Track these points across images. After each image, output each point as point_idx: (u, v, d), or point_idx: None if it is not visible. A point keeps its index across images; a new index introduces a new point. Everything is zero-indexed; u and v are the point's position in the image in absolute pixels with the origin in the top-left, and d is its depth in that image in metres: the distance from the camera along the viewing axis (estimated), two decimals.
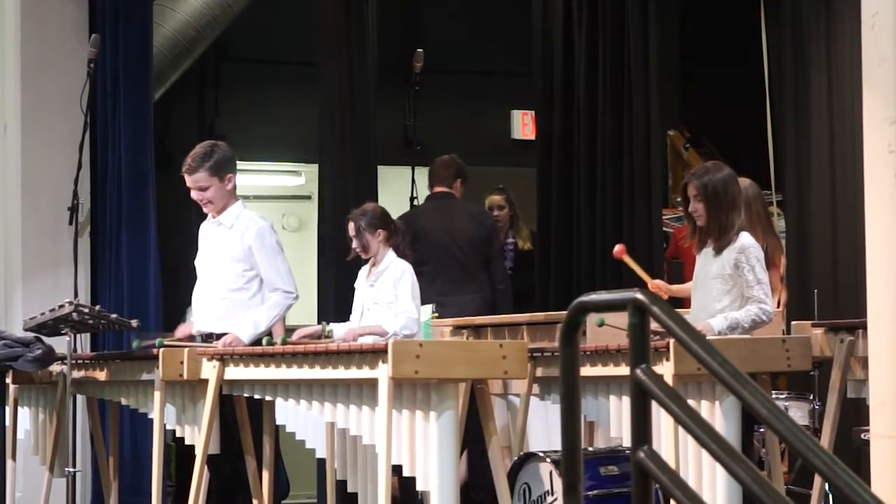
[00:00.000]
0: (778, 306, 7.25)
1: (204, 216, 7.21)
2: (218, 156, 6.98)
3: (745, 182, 7.38)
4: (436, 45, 10.30)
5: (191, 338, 6.91)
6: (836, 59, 8.87)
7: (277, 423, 6.45)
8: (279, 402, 6.15)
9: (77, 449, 7.23)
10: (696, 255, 6.33)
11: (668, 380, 5.45)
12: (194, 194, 7.01)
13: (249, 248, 6.93)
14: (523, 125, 11.78)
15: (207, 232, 7.14)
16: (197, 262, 7.19)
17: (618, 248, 6.54)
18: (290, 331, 7.08)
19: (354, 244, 7.20)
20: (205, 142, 7.24)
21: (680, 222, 10.32)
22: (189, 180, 6.97)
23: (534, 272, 9.67)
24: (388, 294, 7.06)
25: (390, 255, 7.16)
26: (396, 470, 5.51)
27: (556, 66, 10.20)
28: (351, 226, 7.22)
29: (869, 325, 4.87)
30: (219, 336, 6.86)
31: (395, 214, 7.44)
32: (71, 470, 6.90)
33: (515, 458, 6.46)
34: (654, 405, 3.30)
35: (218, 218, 7.04)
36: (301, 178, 11.97)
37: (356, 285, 7.31)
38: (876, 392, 4.78)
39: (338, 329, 7.10)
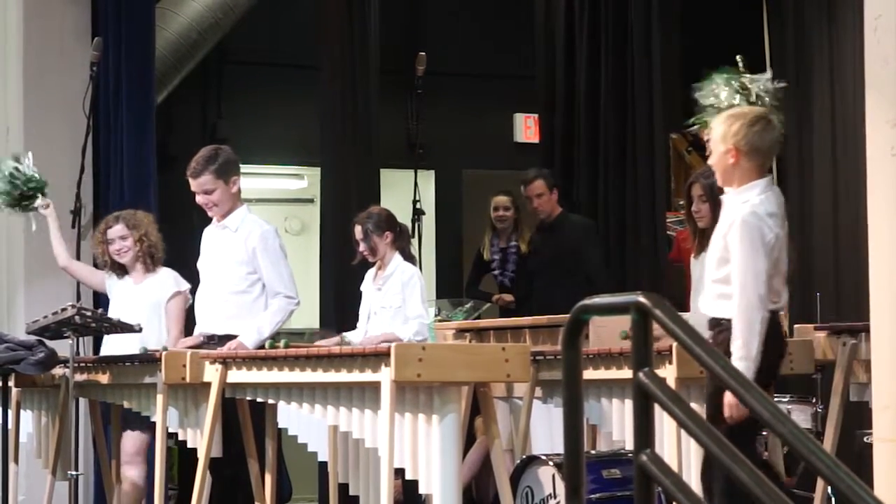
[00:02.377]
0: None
1: (206, 220, 7.22)
2: (223, 159, 7.00)
3: None
4: (438, 48, 10.30)
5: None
6: (838, 62, 8.88)
7: (280, 426, 6.44)
8: (281, 405, 6.14)
9: (79, 452, 7.23)
10: (693, 259, 6.32)
11: (671, 383, 5.46)
12: (199, 198, 7.01)
13: (254, 250, 6.94)
14: (526, 128, 11.78)
15: (211, 236, 7.15)
16: (200, 265, 7.20)
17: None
18: (291, 334, 7.07)
19: (362, 247, 7.21)
20: (209, 146, 7.26)
21: (682, 225, 10.31)
22: (194, 184, 6.98)
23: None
24: (396, 298, 7.07)
25: (397, 258, 7.18)
26: (399, 473, 5.51)
27: (559, 69, 10.21)
28: (358, 229, 7.23)
29: (871, 328, 4.87)
30: (222, 338, 6.87)
31: (397, 218, 7.45)
32: (73, 473, 6.90)
33: (518, 461, 6.45)
34: (657, 408, 3.30)
35: (223, 222, 7.05)
36: (303, 181, 11.98)
37: (363, 289, 7.32)
38: (878, 395, 4.78)
39: (353, 337, 7.11)
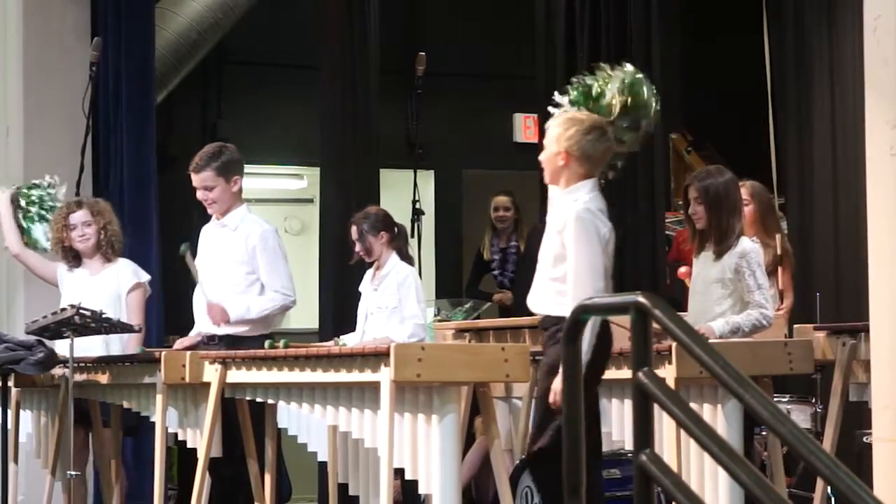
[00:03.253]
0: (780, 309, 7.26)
1: (207, 220, 7.21)
2: (226, 157, 7.01)
3: (755, 185, 7.40)
4: (438, 48, 10.30)
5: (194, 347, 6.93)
6: (838, 62, 8.87)
7: (279, 426, 6.44)
8: (281, 405, 6.14)
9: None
10: (694, 259, 6.35)
11: (671, 383, 5.45)
12: (199, 194, 7.02)
13: (253, 250, 6.94)
14: (525, 128, 11.78)
15: (210, 234, 7.14)
16: (198, 264, 7.18)
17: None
18: (290, 334, 7.07)
19: (358, 248, 7.21)
20: (214, 143, 7.27)
21: (682, 226, 10.32)
22: (195, 179, 6.98)
23: None
24: (392, 298, 7.07)
25: (394, 258, 7.17)
26: (398, 473, 5.51)
27: (559, 69, 10.20)
28: (354, 229, 7.23)
29: (871, 328, 4.87)
30: (222, 338, 6.87)
31: (397, 218, 7.45)
32: (72, 473, 6.90)
33: (518, 461, 6.45)
34: (657, 408, 3.30)
35: (222, 220, 7.06)
36: (303, 181, 11.98)
37: (361, 289, 7.32)
38: (878, 395, 4.78)
39: (350, 341, 7.10)
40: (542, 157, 5.68)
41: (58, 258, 7.53)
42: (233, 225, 7.03)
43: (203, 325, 7.03)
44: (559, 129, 5.60)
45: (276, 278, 6.94)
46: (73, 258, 7.42)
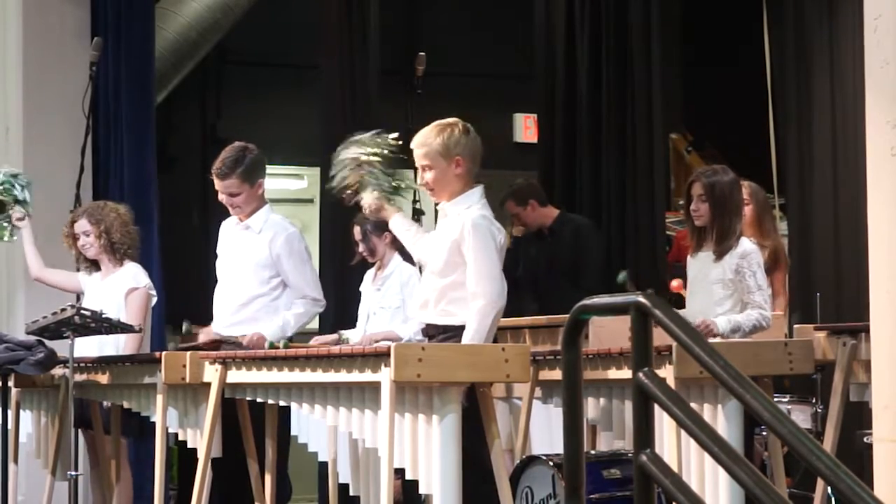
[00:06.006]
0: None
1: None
2: (250, 161, 6.90)
3: (753, 186, 7.40)
4: (437, 48, 10.30)
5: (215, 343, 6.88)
6: (838, 62, 8.87)
7: (279, 426, 6.44)
8: (281, 405, 6.14)
9: (79, 452, 7.22)
10: (690, 257, 6.34)
11: (671, 383, 5.45)
12: (223, 198, 6.94)
13: (278, 255, 6.88)
14: (525, 128, 11.79)
15: (232, 233, 7.06)
16: (219, 264, 7.13)
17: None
18: (303, 335, 7.07)
19: (361, 248, 7.21)
20: (236, 144, 7.10)
21: (682, 225, 10.32)
22: (219, 185, 6.89)
23: None
24: (395, 298, 7.07)
25: (396, 258, 7.17)
26: (399, 473, 5.51)
27: (559, 69, 10.22)
28: (357, 230, 7.23)
29: (871, 328, 4.87)
30: (235, 343, 6.85)
31: None
32: (73, 473, 6.90)
33: (518, 461, 6.45)
34: (657, 408, 3.30)
35: (246, 221, 6.98)
36: (303, 181, 11.98)
37: (362, 289, 7.30)
38: (878, 395, 4.78)
39: (353, 336, 7.08)
40: (428, 178, 5.75)
41: (79, 267, 7.53)
42: (256, 227, 6.96)
43: (223, 325, 6.97)
44: (440, 139, 5.74)
45: (305, 283, 6.90)
46: (91, 263, 7.42)
